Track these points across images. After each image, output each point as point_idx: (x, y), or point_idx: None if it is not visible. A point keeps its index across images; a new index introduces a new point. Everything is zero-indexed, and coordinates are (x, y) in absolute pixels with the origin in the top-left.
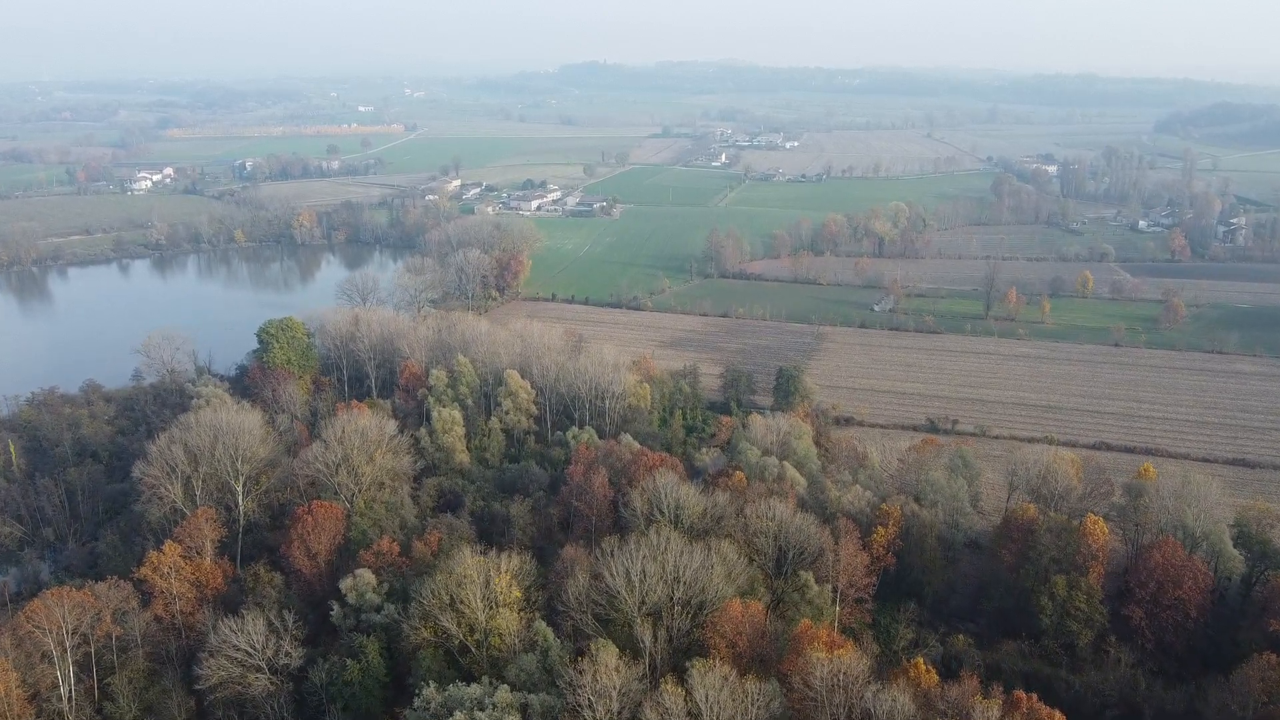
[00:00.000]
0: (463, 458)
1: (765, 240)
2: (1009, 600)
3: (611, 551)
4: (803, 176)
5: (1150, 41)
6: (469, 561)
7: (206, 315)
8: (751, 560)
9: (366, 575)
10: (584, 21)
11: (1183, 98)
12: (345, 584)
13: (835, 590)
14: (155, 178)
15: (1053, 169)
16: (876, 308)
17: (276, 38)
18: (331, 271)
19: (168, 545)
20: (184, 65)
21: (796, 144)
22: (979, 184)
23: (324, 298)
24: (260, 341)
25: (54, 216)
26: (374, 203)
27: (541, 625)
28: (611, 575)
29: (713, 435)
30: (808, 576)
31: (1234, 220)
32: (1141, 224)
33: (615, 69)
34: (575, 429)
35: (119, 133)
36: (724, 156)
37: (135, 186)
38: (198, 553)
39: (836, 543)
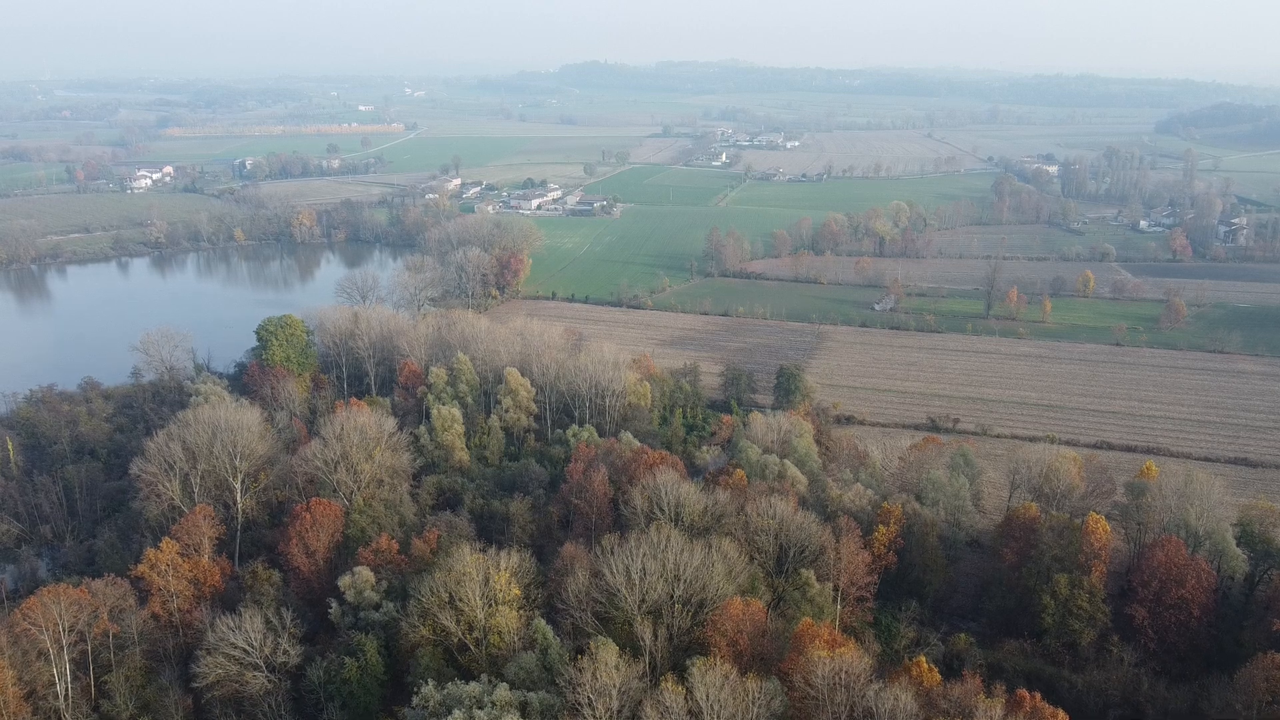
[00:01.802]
0: (462, 456)
1: (766, 240)
2: (1011, 599)
3: (611, 549)
4: (803, 176)
5: (1150, 42)
6: (468, 559)
7: (205, 313)
8: (752, 559)
9: (365, 573)
10: (585, 21)
11: (1183, 98)
12: (344, 582)
13: (836, 589)
14: (155, 176)
15: (1053, 169)
16: (877, 307)
17: (277, 37)
18: (331, 270)
19: (165, 543)
20: (184, 64)
21: (797, 144)
22: (980, 184)
23: (324, 296)
24: (259, 339)
25: (53, 215)
26: (374, 202)
27: (541, 623)
28: (611, 573)
29: (713, 434)
30: (809, 575)
31: (1235, 220)
32: (1143, 224)
33: (616, 69)
34: (575, 427)
35: (119, 131)
36: (724, 156)
37: (135, 185)
38: (195, 550)
39: (838, 541)
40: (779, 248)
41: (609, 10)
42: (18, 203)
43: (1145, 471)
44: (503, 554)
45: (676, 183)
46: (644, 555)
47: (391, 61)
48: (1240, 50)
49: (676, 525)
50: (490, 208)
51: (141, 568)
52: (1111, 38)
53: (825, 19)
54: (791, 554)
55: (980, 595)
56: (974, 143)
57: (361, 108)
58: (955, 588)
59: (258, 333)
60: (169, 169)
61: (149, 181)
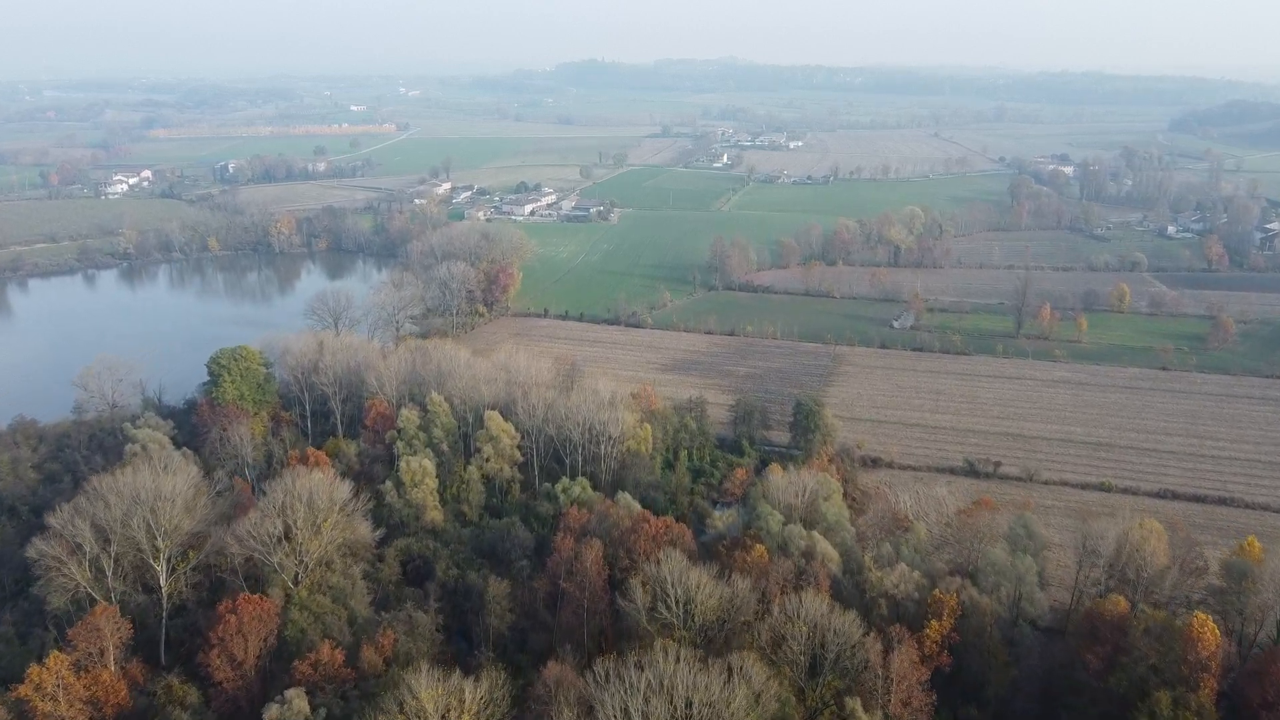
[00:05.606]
0: (435, 515)
1: (773, 248)
2: (1094, 712)
3: (607, 676)
4: (809, 178)
5: (1151, 41)
6: (424, 694)
7: (169, 333)
8: (777, 665)
9: (298, 703)
10: (582, 20)
11: (1192, 96)
12: (270, 715)
13: (886, 718)
14: (132, 181)
15: (1070, 170)
16: (896, 324)
17: (276, 38)
18: (311, 282)
19: (52, 657)
20: (184, 65)
21: (800, 144)
22: (994, 186)
23: (301, 312)
24: (210, 374)
25: (19, 222)
26: (359, 207)
27: None
28: (606, 715)
29: (722, 482)
30: (854, 705)
31: (1270, 225)
32: (1171, 229)
33: (614, 67)
34: (566, 480)
35: (103, 133)
36: (726, 157)
37: (110, 190)
38: (99, 657)
39: (887, 654)
40: (787, 257)
41: (607, 9)
42: None
43: (1246, 548)
44: (467, 682)
45: (677, 185)
46: (647, 686)
47: (390, 61)
48: (1242, 49)
49: (686, 627)
50: (481, 214)
51: (23, 689)
52: (1112, 36)
53: (825, 18)
54: (828, 661)
55: (1046, 694)
56: (983, 142)
57: (354, 107)
58: (1018, 687)
59: (209, 366)
60: (147, 173)
61: (126, 186)
